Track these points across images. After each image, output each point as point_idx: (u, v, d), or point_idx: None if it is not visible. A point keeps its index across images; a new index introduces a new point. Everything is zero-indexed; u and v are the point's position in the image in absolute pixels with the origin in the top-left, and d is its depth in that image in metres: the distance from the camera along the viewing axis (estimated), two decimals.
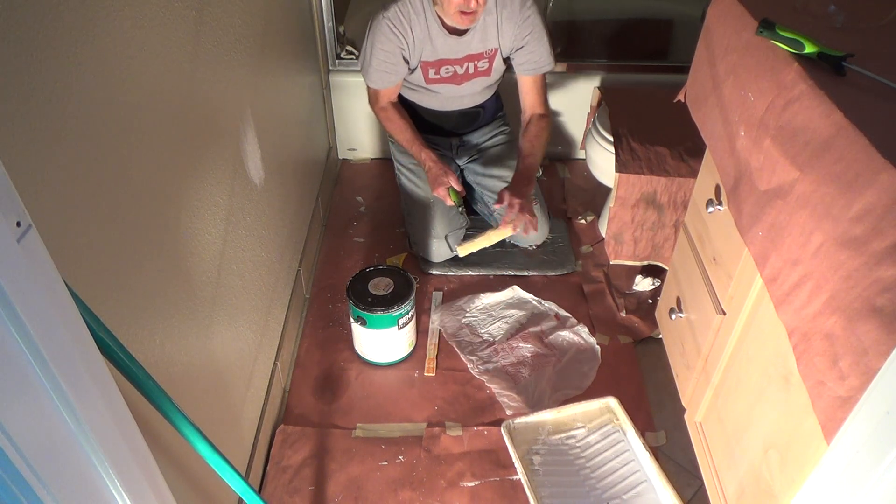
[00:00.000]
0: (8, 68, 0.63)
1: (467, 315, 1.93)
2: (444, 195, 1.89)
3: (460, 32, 1.85)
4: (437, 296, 1.98)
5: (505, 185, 2.05)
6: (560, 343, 1.83)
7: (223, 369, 1.28)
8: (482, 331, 1.88)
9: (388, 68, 1.87)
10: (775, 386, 1.05)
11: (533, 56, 1.90)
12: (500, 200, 1.86)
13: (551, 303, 1.95)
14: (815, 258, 0.88)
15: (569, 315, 1.91)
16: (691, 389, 1.44)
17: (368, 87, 1.97)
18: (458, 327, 1.89)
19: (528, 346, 1.82)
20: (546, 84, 1.99)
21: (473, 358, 1.80)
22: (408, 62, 1.87)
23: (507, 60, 1.96)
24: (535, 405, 1.67)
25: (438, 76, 1.94)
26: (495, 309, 1.95)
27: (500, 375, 1.75)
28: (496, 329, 1.88)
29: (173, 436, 0.95)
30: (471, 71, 1.95)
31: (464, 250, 1.93)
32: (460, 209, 1.93)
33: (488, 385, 1.73)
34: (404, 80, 1.97)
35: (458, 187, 1.90)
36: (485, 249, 2.09)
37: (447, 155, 2.16)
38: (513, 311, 1.93)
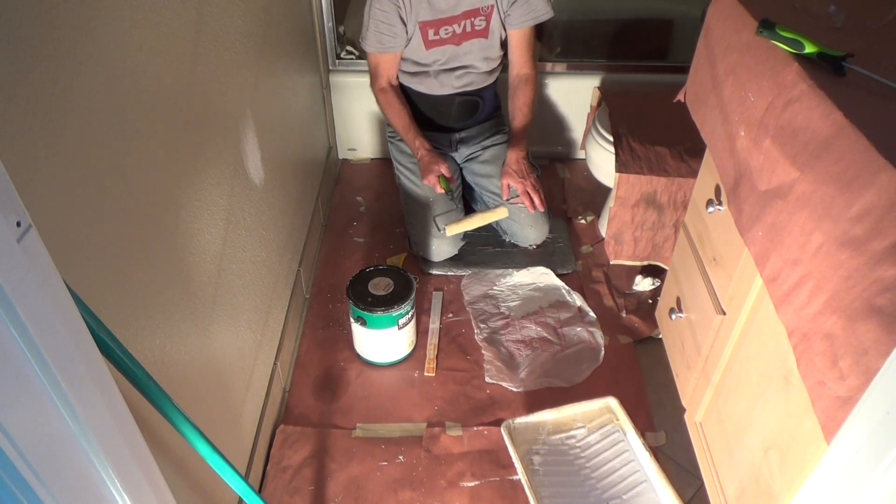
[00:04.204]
0: (8, 68, 0.63)
1: (496, 287, 1.99)
2: (434, 182, 1.93)
3: None
4: (438, 296, 1.98)
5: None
6: (571, 337, 1.85)
7: (223, 369, 1.28)
8: (502, 304, 1.94)
9: (385, 30, 1.86)
10: (775, 386, 1.05)
11: (529, 6, 1.91)
12: (504, 191, 1.95)
13: (578, 294, 1.97)
14: (815, 258, 0.88)
15: (590, 311, 1.92)
16: (691, 389, 1.44)
17: (369, 60, 1.98)
18: (483, 295, 1.96)
19: (538, 329, 1.86)
20: (535, 40, 2.01)
21: (483, 326, 1.87)
22: (405, 24, 1.88)
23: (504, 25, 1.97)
24: (517, 381, 1.72)
25: (438, 37, 1.94)
26: (523, 288, 2.00)
27: (497, 346, 1.81)
28: (516, 307, 1.93)
29: (173, 436, 0.95)
30: (468, 29, 1.95)
31: (451, 230, 1.95)
32: (451, 197, 1.97)
33: (483, 351, 1.79)
34: (404, 57, 1.98)
35: (447, 174, 1.93)
36: (485, 249, 2.10)
37: (446, 152, 2.16)
38: (538, 294, 1.98)
